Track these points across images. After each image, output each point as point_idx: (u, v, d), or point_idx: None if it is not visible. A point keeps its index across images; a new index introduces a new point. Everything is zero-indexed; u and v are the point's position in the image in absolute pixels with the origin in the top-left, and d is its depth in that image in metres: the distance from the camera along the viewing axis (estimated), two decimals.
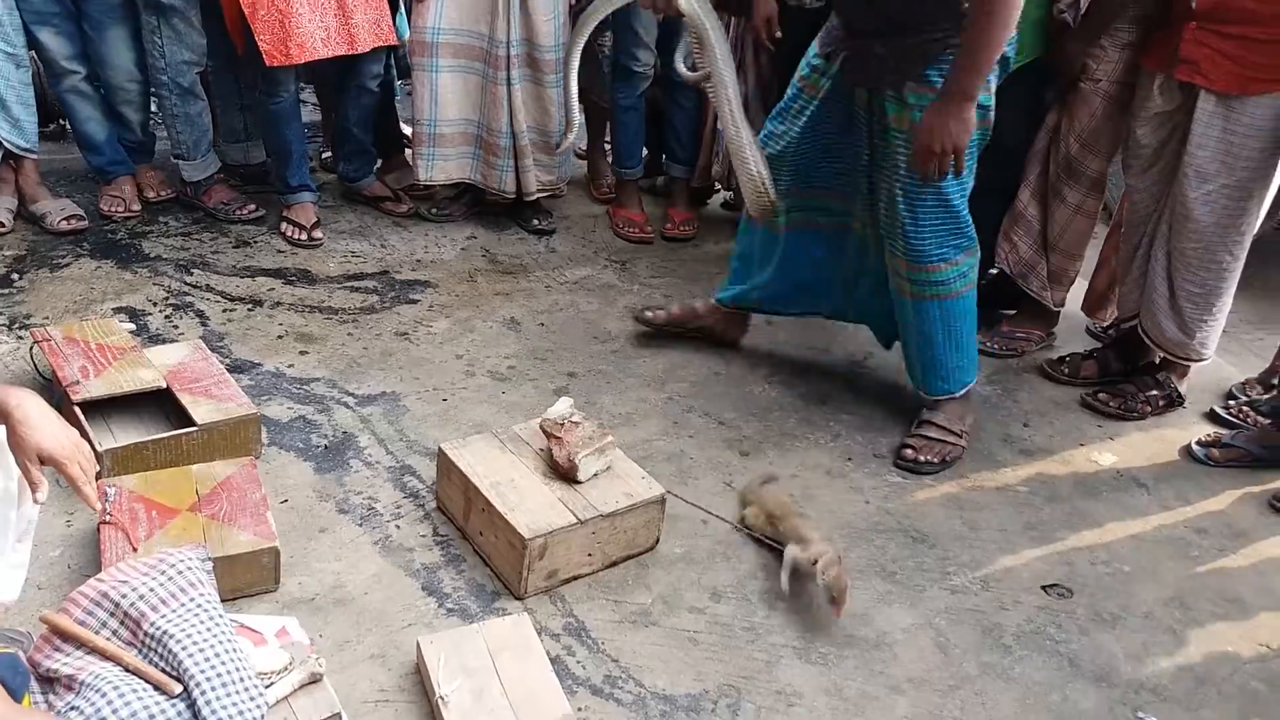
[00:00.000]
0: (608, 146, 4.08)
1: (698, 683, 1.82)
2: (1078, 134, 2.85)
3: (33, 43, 3.20)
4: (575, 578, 2.04)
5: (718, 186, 3.88)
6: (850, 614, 1.99)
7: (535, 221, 3.68)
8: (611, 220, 3.80)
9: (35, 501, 1.52)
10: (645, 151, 3.87)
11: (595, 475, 2.12)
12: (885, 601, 2.07)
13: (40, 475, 1.48)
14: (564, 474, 2.11)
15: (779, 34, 3.19)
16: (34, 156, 3.29)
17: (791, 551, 2.04)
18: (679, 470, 2.42)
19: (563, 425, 2.13)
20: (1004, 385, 2.96)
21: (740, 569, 2.12)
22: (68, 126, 3.58)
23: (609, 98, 3.79)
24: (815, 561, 1.98)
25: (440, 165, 3.54)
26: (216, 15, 3.25)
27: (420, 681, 1.74)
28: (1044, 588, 2.15)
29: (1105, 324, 3.19)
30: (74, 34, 3.25)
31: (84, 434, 2.15)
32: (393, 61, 3.79)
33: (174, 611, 1.54)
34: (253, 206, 3.51)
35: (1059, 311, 3.15)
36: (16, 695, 1.33)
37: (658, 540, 2.15)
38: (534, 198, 3.61)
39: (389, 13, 3.30)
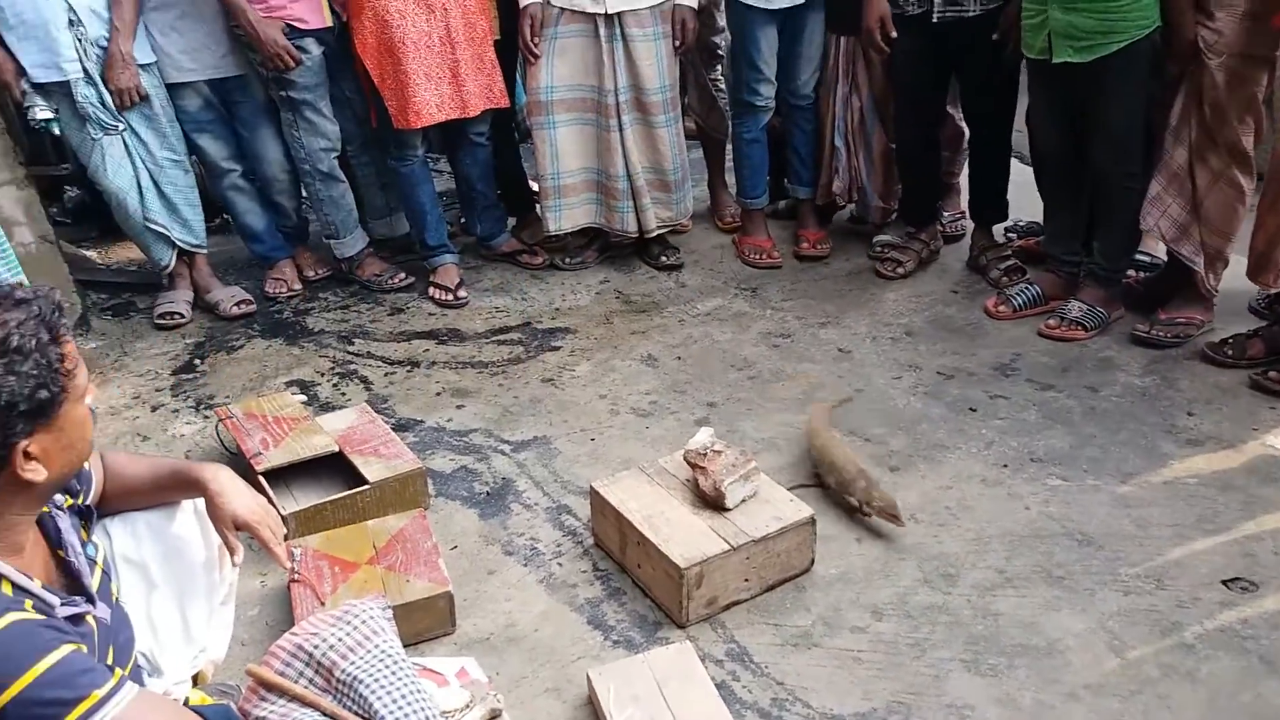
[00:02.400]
0: (728, 178, 4.13)
1: (865, 701, 1.82)
2: (1209, 104, 2.74)
3: (193, 148, 3.51)
4: (734, 603, 2.07)
5: (840, 201, 3.87)
6: (1019, 623, 1.96)
7: (663, 258, 3.76)
8: (738, 249, 3.85)
9: (233, 565, 1.68)
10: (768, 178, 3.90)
11: (743, 501, 2.16)
12: (1053, 608, 2.02)
13: (236, 541, 1.64)
14: (712, 502, 2.15)
15: (894, 33, 3.19)
16: (204, 251, 3.59)
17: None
18: (827, 492, 2.42)
19: (705, 455, 2.18)
20: (1163, 374, 2.84)
21: (900, 585, 2.11)
22: (230, 220, 3.89)
23: (727, 131, 3.85)
24: (859, 505, 2.25)
25: (567, 214, 3.68)
26: (344, 105, 3.51)
27: (593, 713, 1.81)
28: (1224, 582, 2.05)
29: (1271, 290, 3.01)
30: (228, 137, 3.55)
31: (270, 500, 2.33)
32: (515, 125, 3.96)
33: (361, 658, 1.65)
34: (403, 275, 3.73)
35: (1215, 295, 3.00)
36: None
37: (813, 561, 2.16)
38: (655, 233, 3.69)
39: (500, 78, 3.47)
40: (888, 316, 3.29)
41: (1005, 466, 2.48)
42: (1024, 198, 3.55)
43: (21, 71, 3.09)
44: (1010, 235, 3.70)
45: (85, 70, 3.11)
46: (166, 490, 1.69)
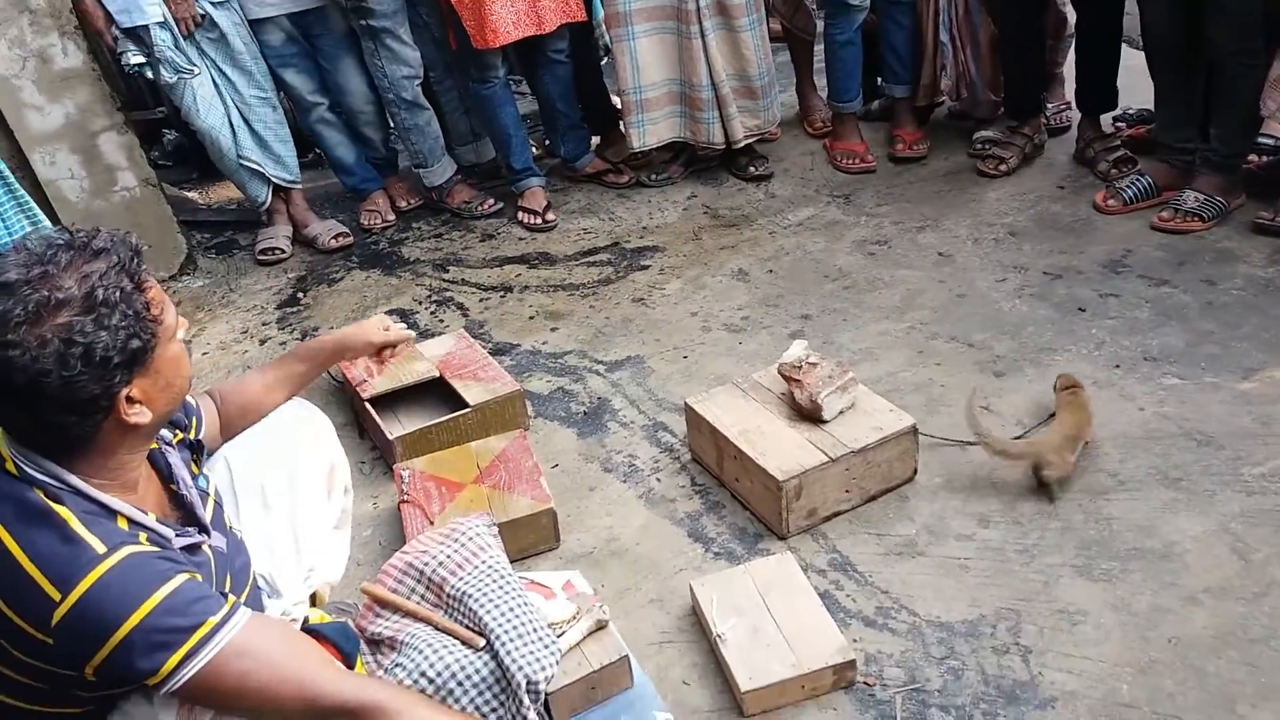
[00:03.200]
0: (818, 80, 3.99)
1: (973, 608, 1.80)
2: None
3: (279, 84, 3.54)
4: (835, 514, 2.06)
5: (949, 99, 3.71)
6: (1134, 526, 1.90)
7: (751, 168, 3.68)
8: (829, 154, 3.73)
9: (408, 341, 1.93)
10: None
11: (841, 413, 2.12)
12: (1171, 510, 1.95)
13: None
14: (809, 415, 2.12)
15: None
16: (299, 187, 3.66)
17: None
18: (929, 400, 2.37)
19: (800, 368, 2.14)
20: None
21: (1007, 492, 2.06)
22: (321, 154, 3.95)
23: (815, 31, 3.71)
24: (1045, 483, 2.03)
25: (651, 129, 3.61)
26: (423, 30, 3.49)
27: (697, 622, 1.83)
28: None
29: None
30: (312, 70, 3.58)
31: (375, 425, 2.40)
32: (595, 41, 3.89)
33: (470, 574, 1.70)
34: (491, 201, 3.74)
35: None
36: (350, 658, 1.53)
37: (915, 471, 2.13)
38: (743, 143, 3.60)
39: None
40: (990, 217, 3.16)
41: (1117, 367, 2.38)
42: (1133, 84, 3.34)
43: (110, 17, 3.16)
44: (1119, 124, 3.49)
45: (162, 14, 3.16)
46: (295, 376, 1.81)
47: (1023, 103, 3.43)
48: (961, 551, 1.93)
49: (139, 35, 3.20)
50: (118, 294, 1.22)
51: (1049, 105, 3.59)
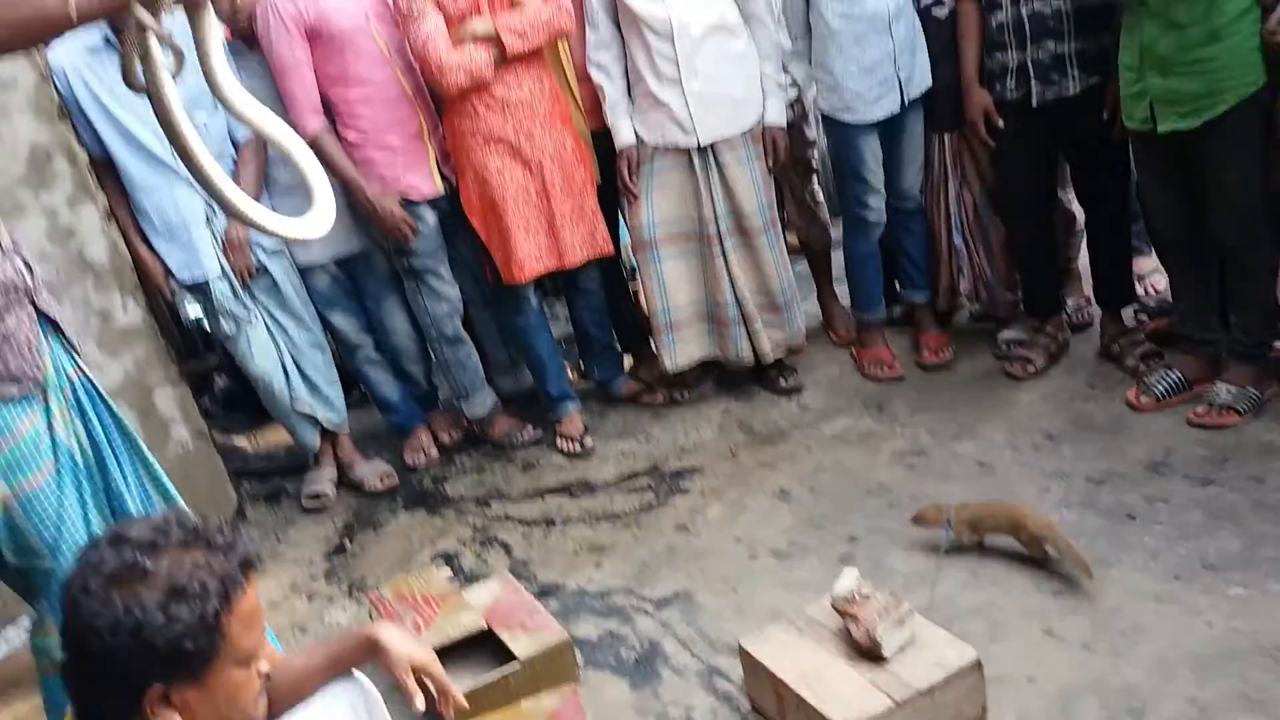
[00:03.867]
0: (838, 288, 4.11)
1: None
2: None
3: (326, 326, 3.70)
4: None
5: (967, 302, 3.80)
6: None
7: (781, 381, 3.75)
8: (858, 363, 3.80)
9: (415, 709, 1.71)
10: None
11: (900, 649, 2.08)
12: None
13: (415, 685, 1.69)
14: (867, 652, 2.08)
15: (1000, 122, 3.18)
16: (345, 430, 3.76)
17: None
18: (990, 625, 2.32)
19: (854, 601, 2.12)
20: None
21: None
22: (366, 392, 4.08)
23: (830, 243, 3.86)
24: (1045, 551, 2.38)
25: (682, 349, 3.71)
26: (461, 266, 3.68)
27: None
28: None
29: None
30: (358, 311, 3.74)
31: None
32: (621, 264, 4.07)
33: None
34: (531, 429, 3.81)
35: None
36: None
37: (985, 709, 2.06)
38: (772, 358, 3.69)
39: (603, 224, 3.57)
40: (1025, 421, 3.18)
41: (1177, 578, 2.33)
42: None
43: (169, 272, 3.34)
44: (1141, 317, 3.55)
45: (220, 266, 3.34)
46: (339, 663, 1.75)
47: (1041, 301, 3.51)
48: None
49: (198, 287, 3.38)
50: (198, 590, 1.23)
51: (1068, 301, 3.67)
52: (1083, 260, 3.68)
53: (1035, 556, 2.48)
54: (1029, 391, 3.34)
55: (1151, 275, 3.75)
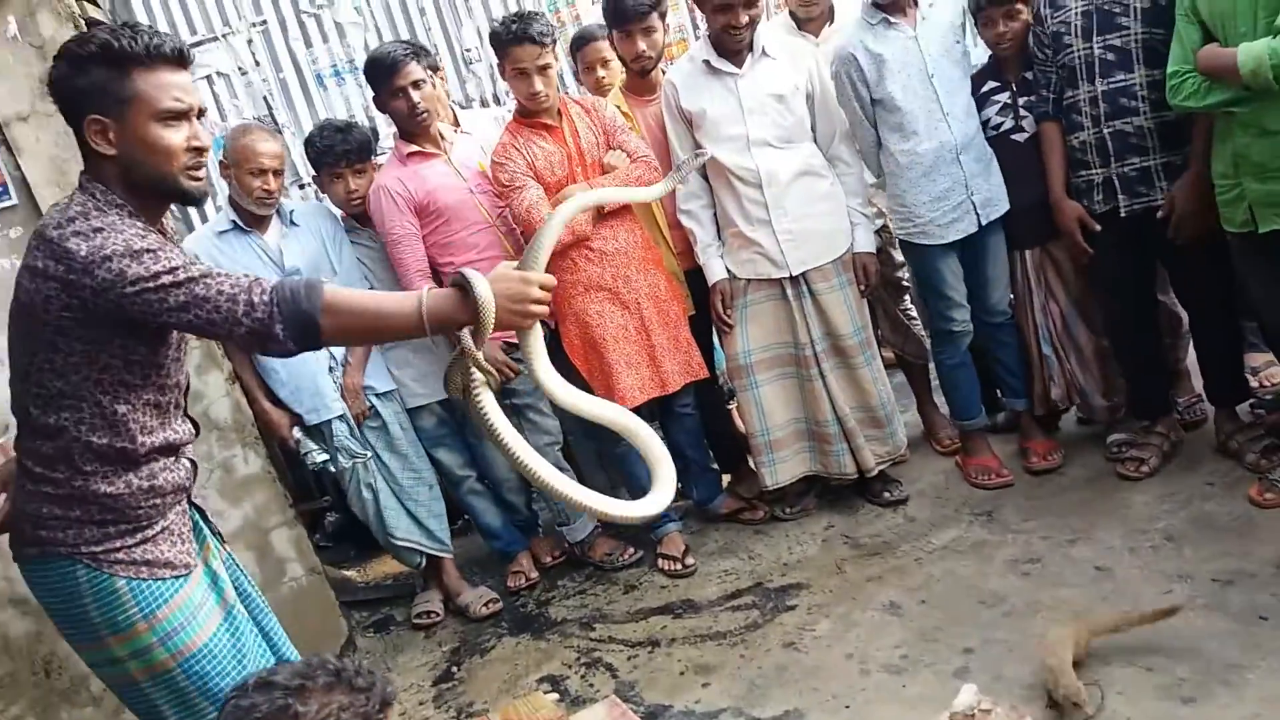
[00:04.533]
0: (937, 398, 4.08)
1: None
2: None
3: (433, 461, 3.84)
4: None
5: (1061, 406, 3.73)
6: None
7: (886, 494, 3.70)
8: (964, 471, 3.73)
9: None
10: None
11: None
12: None
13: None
14: None
15: (1097, 227, 3.20)
16: (449, 556, 3.85)
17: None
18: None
19: (974, 716, 2.05)
20: None
21: None
22: (470, 521, 4.17)
23: (927, 355, 3.86)
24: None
25: (782, 467, 3.71)
26: None
27: None
28: None
29: None
30: (462, 448, 3.88)
31: None
32: (719, 388, 4.13)
33: None
34: (632, 550, 3.83)
35: None
36: None
37: None
38: (875, 471, 3.65)
39: (696, 352, 3.66)
40: (1141, 522, 3.06)
41: None
42: None
43: (295, 422, 3.54)
44: (1258, 411, 3.42)
45: (342, 409, 3.55)
46: None
47: (1150, 402, 3.42)
48: None
49: (320, 430, 3.56)
50: None
51: (1179, 401, 3.57)
52: (1191, 360, 3.59)
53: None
54: (1144, 493, 3.22)
55: (1266, 369, 3.63)
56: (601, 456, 4.07)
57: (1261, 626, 2.42)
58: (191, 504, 2.07)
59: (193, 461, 2.06)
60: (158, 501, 1.93)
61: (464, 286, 1.84)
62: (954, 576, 3.08)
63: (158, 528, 1.93)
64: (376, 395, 3.65)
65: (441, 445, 3.83)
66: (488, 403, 1.94)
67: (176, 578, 1.92)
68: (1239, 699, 2.20)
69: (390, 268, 3.61)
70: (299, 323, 1.75)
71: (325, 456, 3.58)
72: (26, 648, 3.38)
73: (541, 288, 1.90)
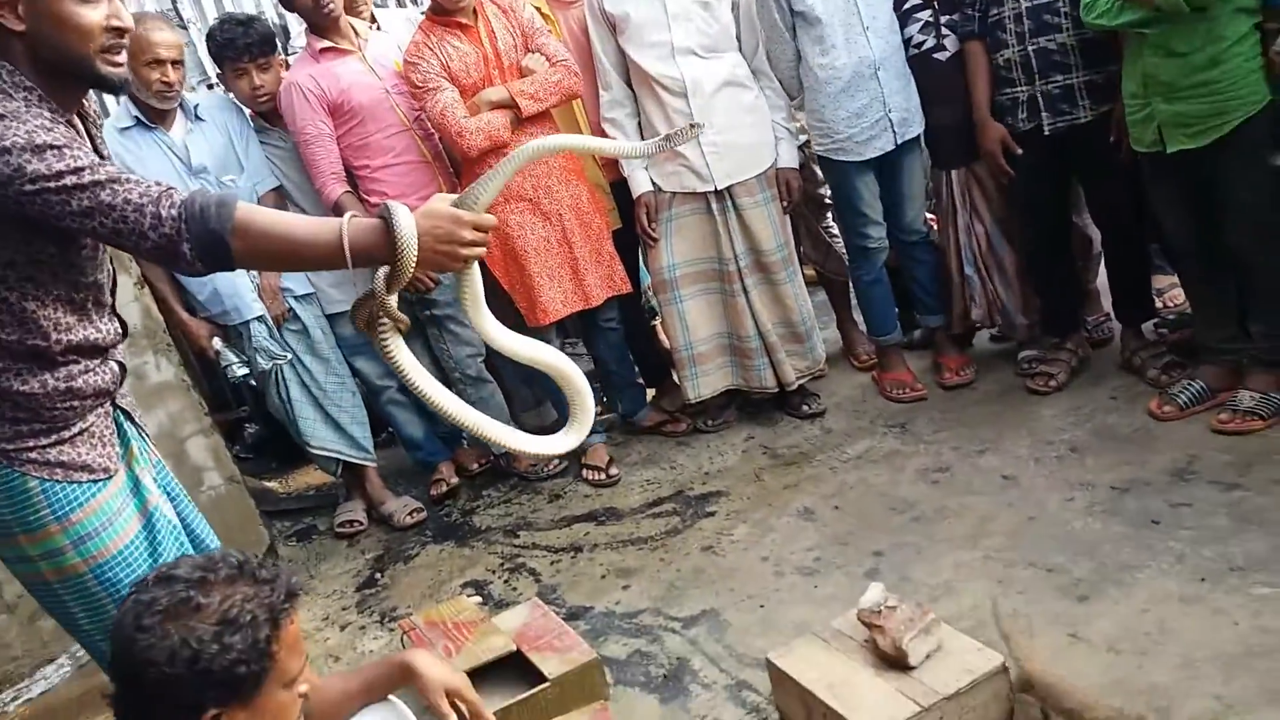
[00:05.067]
0: (856, 315, 4.15)
1: None
2: None
3: (353, 370, 3.80)
4: None
5: (980, 325, 3.83)
6: None
7: (805, 407, 3.77)
8: (879, 386, 3.83)
9: None
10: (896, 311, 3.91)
11: (927, 657, 2.08)
12: None
13: (449, 709, 1.75)
14: (894, 662, 2.08)
15: (1019, 150, 3.24)
16: (372, 465, 3.83)
17: None
18: (1017, 631, 2.31)
19: (879, 613, 2.13)
20: None
21: None
22: (393, 432, 4.15)
23: (847, 273, 3.92)
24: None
25: (704, 380, 3.76)
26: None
27: None
28: None
29: None
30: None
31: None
32: (642, 304, 4.14)
33: None
34: (556, 461, 3.86)
35: None
36: None
37: (1012, 711, 2.05)
38: (795, 385, 3.72)
39: (620, 266, 3.65)
40: (1048, 434, 3.18)
41: (1203, 580, 2.32)
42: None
43: (214, 332, 3.46)
44: (1161, 331, 3.56)
45: (260, 310, 3.49)
46: (374, 689, 1.80)
47: (1061, 320, 3.53)
48: None
49: (239, 332, 3.49)
50: (249, 619, 1.31)
51: (1088, 319, 3.69)
52: (1101, 280, 3.71)
53: None
54: (1051, 406, 3.34)
55: (1170, 290, 3.77)
56: (524, 369, 4.05)
57: (1154, 530, 2.56)
58: (118, 407, 1.97)
59: (121, 365, 1.95)
60: (76, 404, 1.84)
61: (388, 220, 1.70)
62: (866, 484, 3.18)
63: (75, 429, 1.84)
64: (295, 298, 3.57)
65: (361, 354, 3.78)
66: (395, 347, 1.87)
67: (94, 481, 1.84)
68: (1129, 596, 2.33)
69: (302, 169, 3.50)
70: (207, 243, 1.64)
71: (245, 370, 3.51)
72: None
73: (477, 229, 1.76)
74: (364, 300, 1.87)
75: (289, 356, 3.57)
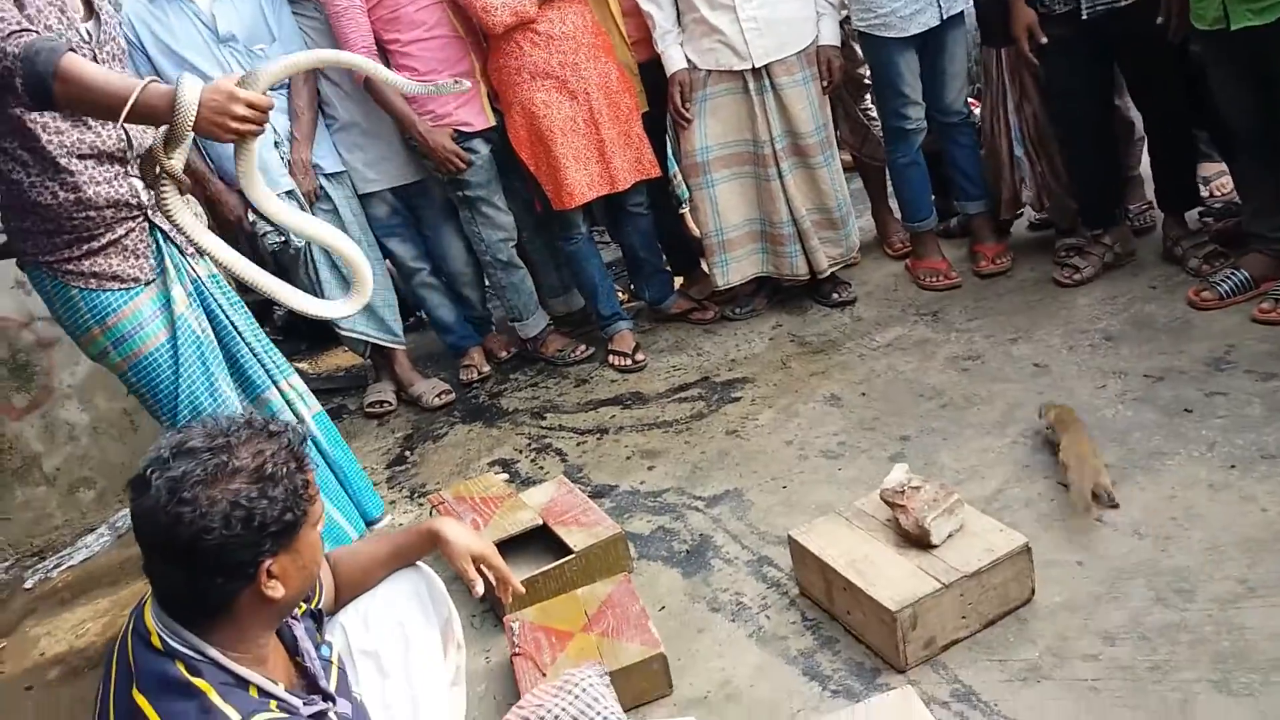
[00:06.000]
0: (892, 203, 4.07)
1: None
2: None
3: (385, 252, 3.79)
4: (954, 642, 2.00)
5: (1033, 211, 3.73)
6: (1271, 635, 1.81)
7: (835, 295, 3.73)
8: (912, 274, 3.77)
9: (475, 594, 1.84)
10: (933, 198, 3.82)
11: (949, 536, 2.09)
12: None
13: (476, 574, 1.81)
14: (916, 540, 2.10)
15: (1043, 39, 3.10)
16: (401, 347, 3.86)
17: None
18: (1040, 515, 2.31)
19: (903, 492, 2.13)
20: None
21: (1131, 605, 1.98)
22: (423, 316, 4.17)
23: (884, 158, 3.82)
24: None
25: (734, 267, 3.72)
26: (515, 194, 3.72)
27: None
28: None
29: None
30: (415, 238, 3.83)
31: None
32: (673, 189, 4.07)
33: None
34: (583, 347, 3.87)
35: None
36: None
37: (1033, 591, 2.07)
38: (827, 272, 3.67)
39: (649, 149, 3.57)
40: (1083, 323, 3.13)
41: (1233, 468, 2.30)
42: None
43: (247, 206, 3.42)
44: (1205, 220, 3.45)
45: (291, 185, 3.44)
46: (402, 554, 1.85)
47: (1098, 212, 3.42)
48: (1089, 672, 1.85)
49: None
50: (284, 470, 1.36)
51: (1130, 207, 3.58)
52: (1145, 167, 3.58)
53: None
54: (1088, 295, 3.28)
55: (1216, 179, 3.64)
56: (553, 254, 4.04)
57: (1186, 419, 2.52)
58: (157, 228, 2.21)
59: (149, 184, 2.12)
60: (93, 214, 2.12)
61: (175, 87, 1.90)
62: (895, 372, 3.15)
63: (103, 240, 2.14)
64: (325, 176, 3.53)
65: (394, 235, 3.77)
66: (175, 206, 2.01)
67: (125, 290, 2.17)
68: (1156, 483, 2.32)
69: (334, 41, 3.43)
70: (33, 81, 1.86)
71: (282, 237, 3.49)
72: None
73: (250, 106, 1.91)
74: (146, 157, 2.05)
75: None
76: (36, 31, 1.92)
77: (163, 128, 1.94)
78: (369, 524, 2.60)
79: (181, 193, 2.02)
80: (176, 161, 1.97)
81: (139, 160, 2.13)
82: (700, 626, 2.25)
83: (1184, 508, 2.21)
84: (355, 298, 2.20)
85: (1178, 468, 2.35)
